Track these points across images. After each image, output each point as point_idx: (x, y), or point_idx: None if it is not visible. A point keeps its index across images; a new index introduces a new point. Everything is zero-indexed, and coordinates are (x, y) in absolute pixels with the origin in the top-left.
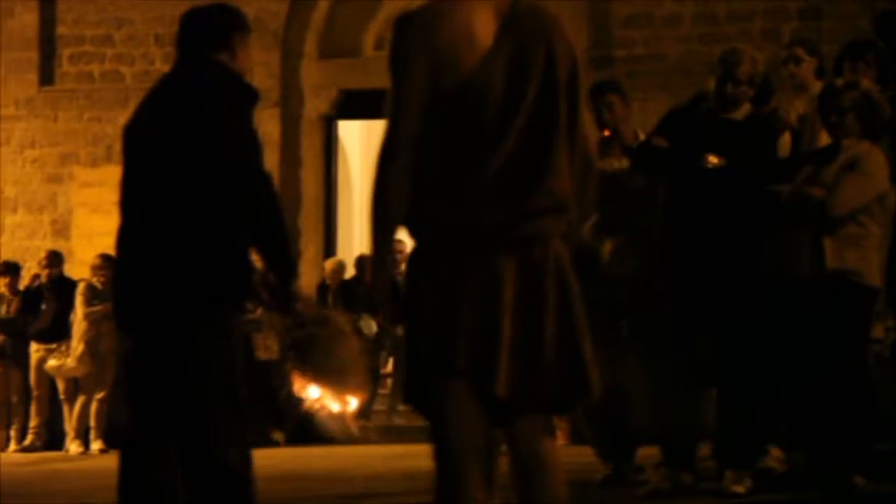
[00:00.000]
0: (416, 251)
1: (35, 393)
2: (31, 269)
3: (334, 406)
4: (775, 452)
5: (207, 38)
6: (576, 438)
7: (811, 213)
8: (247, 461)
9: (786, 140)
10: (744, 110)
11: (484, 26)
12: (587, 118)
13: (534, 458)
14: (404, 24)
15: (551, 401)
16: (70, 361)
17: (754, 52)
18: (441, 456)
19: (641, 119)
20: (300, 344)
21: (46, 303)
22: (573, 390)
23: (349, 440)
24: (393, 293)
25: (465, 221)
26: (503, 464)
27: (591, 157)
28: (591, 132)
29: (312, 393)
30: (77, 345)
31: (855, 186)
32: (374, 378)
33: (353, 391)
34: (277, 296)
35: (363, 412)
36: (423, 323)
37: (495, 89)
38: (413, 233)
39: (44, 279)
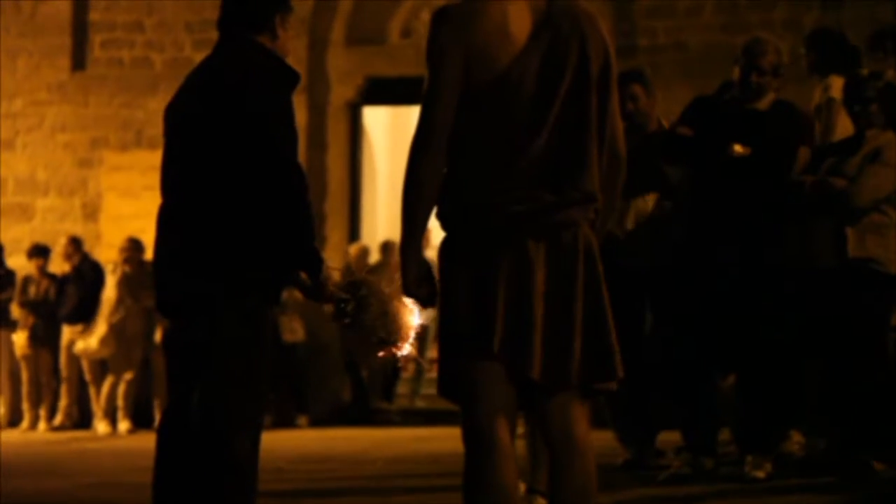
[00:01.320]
0: (447, 238)
1: (65, 374)
2: (61, 252)
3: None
4: (796, 437)
5: (248, 20)
6: (596, 422)
7: (834, 203)
8: (254, 450)
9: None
10: (768, 100)
11: (519, 23)
12: (616, 112)
13: (567, 442)
14: (441, 18)
15: (580, 383)
16: (93, 343)
17: (777, 42)
18: (472, 438)
19: (664, 107)
20: (354, 322)
21: (71, 287)
22: (599, 373)
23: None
24: (426, 277)
25: (497, 208)
26: (520, 447)
27: (619, 152)
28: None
29: (394, 351)
30: (100, 326)
31: (877, 177)
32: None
33: (411, 328)
34: (310, 288)
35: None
36: (458, 306)
37: (529, 85)
38: (445, 220)
39: (67, 267)
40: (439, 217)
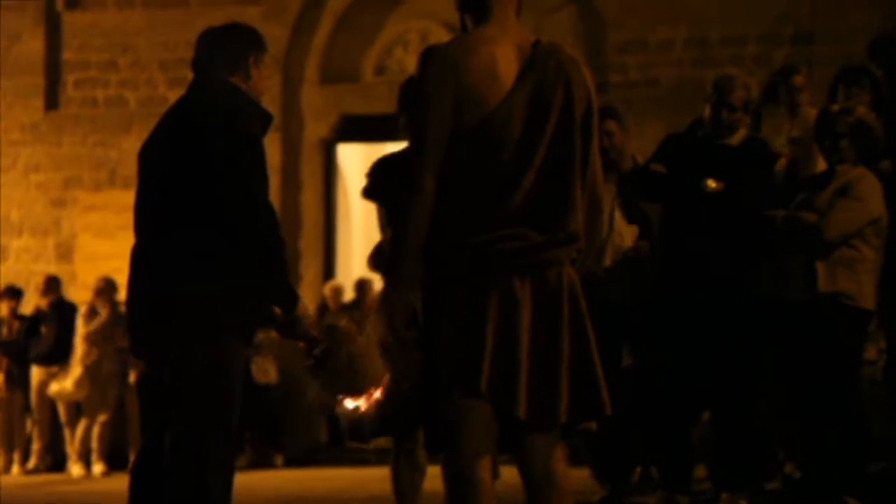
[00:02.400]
0: (431, 279)
1: (37, 416)
2: (35, 293)
3: (364, 403)
4: (788, 467)
5: (222, 60)
6: (572, 460)
7: (804, 238)
8: (225, 491)
9: (781, 166)
10: (739, 135)
11: (507, 65)
12: (597, 155)
13: (547, 480)
14: (430, 58)
15: (567, 421)
16: (68, 385)
17: (747, 78)
18: (455, 478)
19: (637, 143)
20: (320, 364)
21: (47, 326)
22: (587, 410)
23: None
24: (413, 319)
25: (483, 246)
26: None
27: (599, 194)
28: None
29: (349, 405)
30: (75, 368)
31: (847, 211)
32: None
33: (376, 383)
34: (284, 325)
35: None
36: (445, 346)
37: (515, 126)
38: (431, 259)
39: (44, 305)
40: (424, 256)
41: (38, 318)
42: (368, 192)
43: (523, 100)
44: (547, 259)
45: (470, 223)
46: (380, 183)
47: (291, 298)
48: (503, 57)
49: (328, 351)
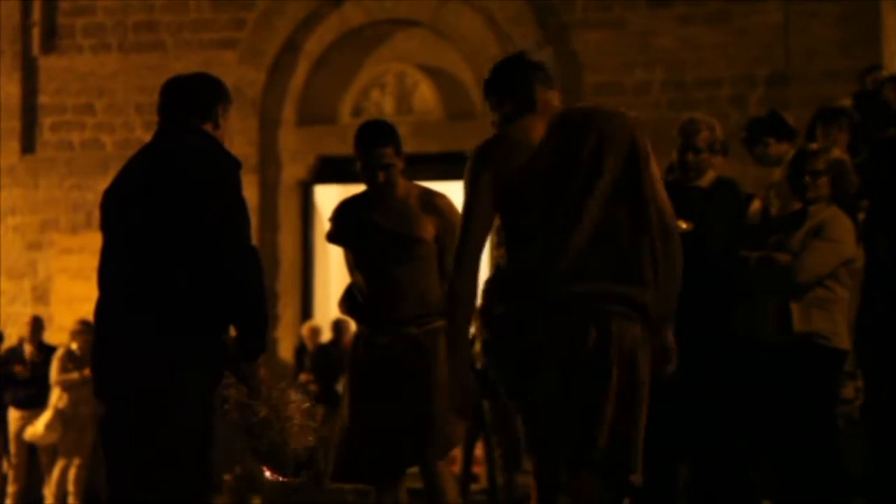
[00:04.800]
0: (495, 324)
1: (14, 460)
2: (10, 336)
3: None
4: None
5: (193, 108)
6: None
7: (778, 279)
8: None
9: (755, 207)
10: (708, 177)
11: (536, 132)
12: (659, 189)
13: None
14: (478, 154)
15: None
16: (39, 428)
17: (711, 120)
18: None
19: None
20: (251, 428)
21: (28, 369)
22: (625, 461)
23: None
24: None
25: (544, 294)
26: None
27: (669, 225)
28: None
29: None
30: (47, 411)
31: (820, 252)
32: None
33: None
34: (235, 365)
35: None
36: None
37: (544, 173)
38: (495, 307)
39: (31, 348)
40: (491, 302)
41: (16, 360)
42: (332, 237)
43: (548, 150)
44: (612, 309)
45: (531, 276)
46: (343, 226)
47: (259, 350)
48: (532, 126)
49: (262, 425)
